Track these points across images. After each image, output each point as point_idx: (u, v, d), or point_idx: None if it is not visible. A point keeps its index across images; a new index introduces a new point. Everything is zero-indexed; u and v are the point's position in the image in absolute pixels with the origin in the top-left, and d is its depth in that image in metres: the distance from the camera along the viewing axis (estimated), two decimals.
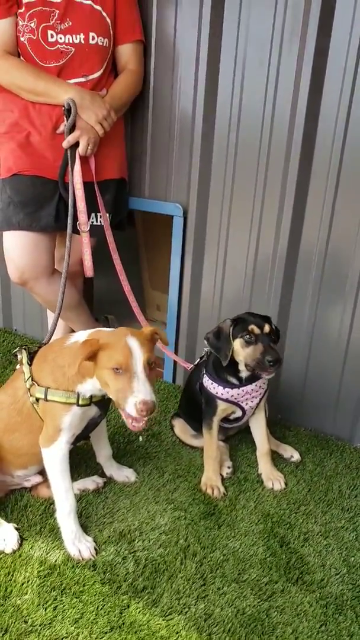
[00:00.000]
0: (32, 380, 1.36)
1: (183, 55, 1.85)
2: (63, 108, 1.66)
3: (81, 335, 1.35)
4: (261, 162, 1.80)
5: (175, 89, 1.90)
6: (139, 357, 1.21)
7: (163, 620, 1.19)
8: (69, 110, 1.65)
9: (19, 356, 1.44)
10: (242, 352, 1.52)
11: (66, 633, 1.15)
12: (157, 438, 1.84)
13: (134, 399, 1.19)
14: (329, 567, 1.35)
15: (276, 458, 1.74)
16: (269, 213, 1.84)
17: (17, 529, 1.39)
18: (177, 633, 1.16)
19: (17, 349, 1.46)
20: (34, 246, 1.78)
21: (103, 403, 1.39)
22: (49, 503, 1.46)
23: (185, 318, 2.13)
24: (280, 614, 1.22)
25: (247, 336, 1.50)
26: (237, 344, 1.52)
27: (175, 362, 2.21)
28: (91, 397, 1.33)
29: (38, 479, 1.54)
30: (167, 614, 1.20)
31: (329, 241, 1.77)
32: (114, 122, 1.75)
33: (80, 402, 1.31)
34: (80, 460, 1.68)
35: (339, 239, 1.75)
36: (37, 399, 1.35)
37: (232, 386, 1.59)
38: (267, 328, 1.51)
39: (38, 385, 1.34)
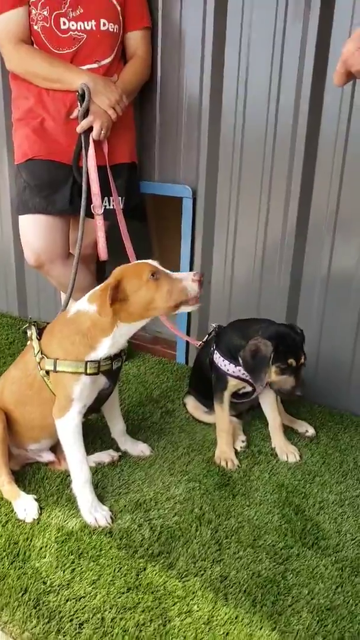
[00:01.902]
0: (41, 354, 1.39)
1: (189, 39, 1.89)
2: (77, 93, 1.70)
3: (80, 304, 1.38)
4: (268, 142, 1.82)
5: (182, 73, 1.93)
6: (158, 264, 1.34)
7: (179, 581, 1.20)
8: (82, 96, 1.69)
9: (29, 332, 1.47)
10: (273, 376, 1.50)
11: (84, 593, 1.17)
12: (171, 415, 1.86)
13: (188, 280, 1.30)
14: (345, 533, 1.34)
15: (290, 433, 1.74)
16: (277, 192, 1.85)
17: (36, 500, 1.42)
18: (193, 593, 1.17)
19: (26, 325, 1.49)
20: (49, 229, 1.83)
21: (111, 374, 1.41)
22: (66, 475, 1.49)
23: None
24: (296, 576, 1.22)
25: (284, 367, 1.47)
26: (272, 367, 1.48)
27: (187, 344, 2.23)
28: (99, 366, 1.35)
29: (51, 456, 1.57)
30: (183, 576, 1.21)
31: (337, 218, 1.77)
32: (125, 107, 1.79)
33: (88, 371, 1.33)
34: (95, 436, 1.71)
35: (347, 214, 1.75)
36: (47, 372, 1.38)
37: None
38: (302, 359, 1.49)
39: (47, 357, 1.37)
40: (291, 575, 1.22)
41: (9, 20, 1.72)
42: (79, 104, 1.71)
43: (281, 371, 1.49)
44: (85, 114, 1.70)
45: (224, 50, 1.82)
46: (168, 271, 1.33)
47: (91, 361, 1.33)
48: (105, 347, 1.34)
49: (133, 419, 1.82)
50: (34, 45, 1.77)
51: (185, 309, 1.34)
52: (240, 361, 1.52)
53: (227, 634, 1.08)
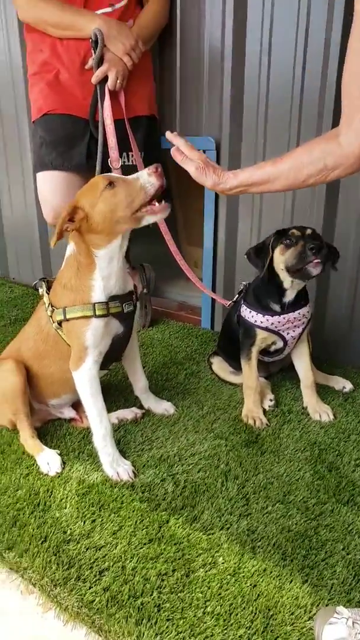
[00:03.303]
0: (51, 306, 1.36)
1: None
2: (90, 40, 1.63)
3: (68, 249, 1.34)
4: (295, 91, 1.70)
5: (202, 20, 1.83)
6: (117, 175, 1.30)
7: (203, 534, 1.13)
8: (96, 42, 1.62)
9: (40, 289, 1.43)
10: (281, 258, 1.43)
11: (104, 542, 1.12)
12: (196, 376, 1.79)
13: (143, 176, 1.22)
14: None
15: (324, 394, 1.64)
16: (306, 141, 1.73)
17: (59, 454, 1.39)
18: (218, 546, 1.10)
19: (36, 281, 1.45)
20: (67, 186, 1.78)
21: (124, 317, 1.35)
22: (88, 432, 1.44)
23: (221, 263, 2.07)
24: (330, 531, 1.13)
25: (288, 240, 1.42)
26: (277, 252, 1.44)
27: (213, 310, 2.16)
28: (108, 307, 1.30)
29: (72, 413, 1.54)
30: (207, 529, 1.15)
31: None
32: (142, 54, 1.71)
33: (97, 313, 1.29)
34: (119, 395, 1.66)
35: None
36: (60, 324, 1.34)
37: (273, 313, 1.51)
38: (309, 231, 1.42)
39: (56, 308, 1.34)
40: (324, 530, 1.14)
41: None
42: (93, 52, 1.63)
43: (286, 247, 1.43)
44: (100, 62, 1.63)
45: None
46: (126, 177, 1.25)
47: (99, 302, 1.29)
48: (100, 283, 1.29)
49: (157, 379, 1.76)
50: None
51: (150, 219, 1.24)
52: (246, 258, 1.51)
53: (255, 585, 1.01)
